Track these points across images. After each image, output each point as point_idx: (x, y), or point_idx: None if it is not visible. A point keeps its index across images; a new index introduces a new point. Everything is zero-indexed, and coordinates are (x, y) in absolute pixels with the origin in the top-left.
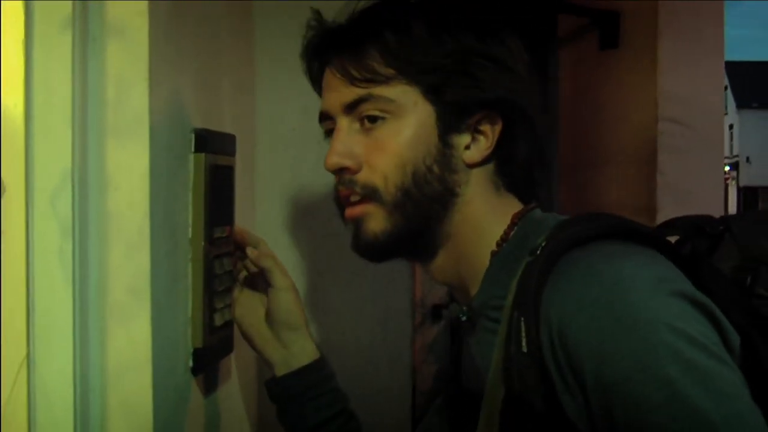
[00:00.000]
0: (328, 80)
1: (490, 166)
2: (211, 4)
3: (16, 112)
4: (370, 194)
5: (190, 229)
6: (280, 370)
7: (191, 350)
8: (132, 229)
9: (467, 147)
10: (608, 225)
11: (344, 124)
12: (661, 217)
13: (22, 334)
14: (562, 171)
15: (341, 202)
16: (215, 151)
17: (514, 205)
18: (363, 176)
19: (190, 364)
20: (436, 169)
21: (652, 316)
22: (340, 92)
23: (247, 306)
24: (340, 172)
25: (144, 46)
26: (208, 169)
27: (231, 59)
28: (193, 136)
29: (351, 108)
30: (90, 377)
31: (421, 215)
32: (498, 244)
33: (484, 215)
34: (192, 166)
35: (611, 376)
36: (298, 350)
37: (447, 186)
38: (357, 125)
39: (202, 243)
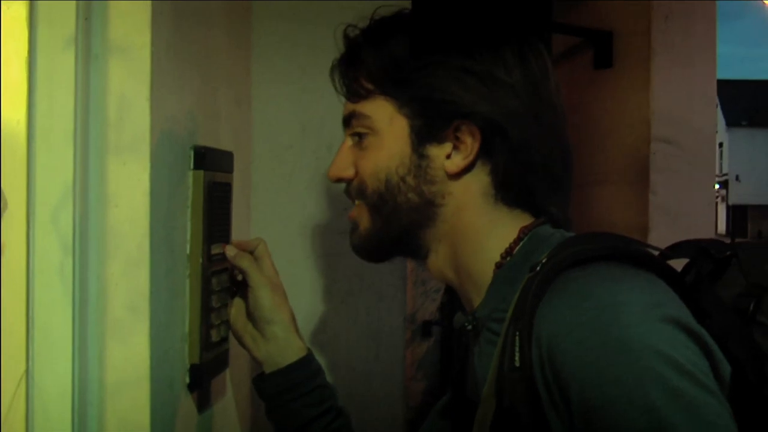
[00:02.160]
0: None
1: (485, 178)
2: (211, 22)
3: (19, 128)
4: (360, 195)
5: (188, 246)
6: (268, 368)
7: (188, 366)
8: (132, 246)
9: (448, 156)
10: (610, 246)
11: (347, 137)
12: (654, 237)
13: (21, 349)
14: None
15: None
16: (213, 168)
17: (522, 219)
18: (355, 183)
19: (187, 380)
20: (410, 180)
21: (640, 341)
22: (344, 107)
23: (238, 307)
24: (339, 181)
25: (146, 64)
26: (206, 186)
27: (229, 76)
28: (192, 153)
29: (346, 123)
30: (88, 392)
31: (399, 221)
32: (502, 257)
33: (481, 227)
34: (191, 183)
35: (595, 399)
36: (283, 346)
37: (424, 197)
38: (355, 139)
39: (200, 259)
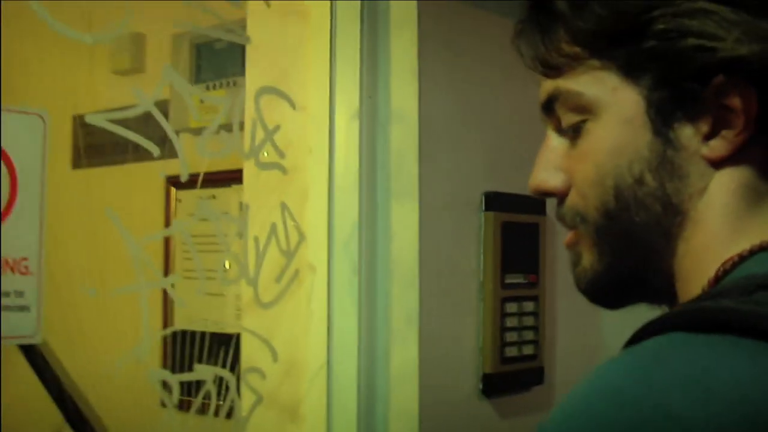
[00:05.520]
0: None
1: (748, 166)
2: (488, 86)
3: (321, 179)
4: (579, 219)
5: (481, 274)
6: None
7: (481, 374)
8: (406, 270)
9: (707, 137)
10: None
11: (550, 132)
12: None
13: (323, 344)
14: None
15: None
16: (505, 210)
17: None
18: (569, 201)
19: (480, 386)
20: (649, 179)
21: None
22: (540, 88)
23: None
24: (544, 196)
25: (415, 128)
26: (498, 225)
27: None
28: (483, 197)
29: (547, 110)
30: (377, 386)
31: (632, 249)
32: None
33: (715, 243)
34: (482, 222)
35: None
36: None
37: (669, 202)
38: (566, 134)
39: (491, 286)
